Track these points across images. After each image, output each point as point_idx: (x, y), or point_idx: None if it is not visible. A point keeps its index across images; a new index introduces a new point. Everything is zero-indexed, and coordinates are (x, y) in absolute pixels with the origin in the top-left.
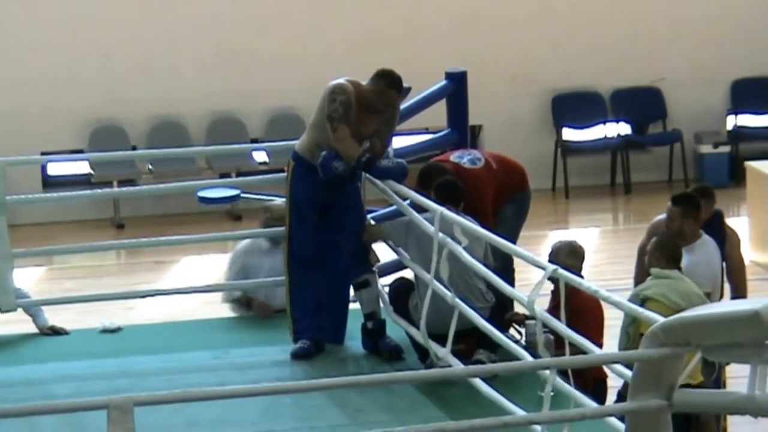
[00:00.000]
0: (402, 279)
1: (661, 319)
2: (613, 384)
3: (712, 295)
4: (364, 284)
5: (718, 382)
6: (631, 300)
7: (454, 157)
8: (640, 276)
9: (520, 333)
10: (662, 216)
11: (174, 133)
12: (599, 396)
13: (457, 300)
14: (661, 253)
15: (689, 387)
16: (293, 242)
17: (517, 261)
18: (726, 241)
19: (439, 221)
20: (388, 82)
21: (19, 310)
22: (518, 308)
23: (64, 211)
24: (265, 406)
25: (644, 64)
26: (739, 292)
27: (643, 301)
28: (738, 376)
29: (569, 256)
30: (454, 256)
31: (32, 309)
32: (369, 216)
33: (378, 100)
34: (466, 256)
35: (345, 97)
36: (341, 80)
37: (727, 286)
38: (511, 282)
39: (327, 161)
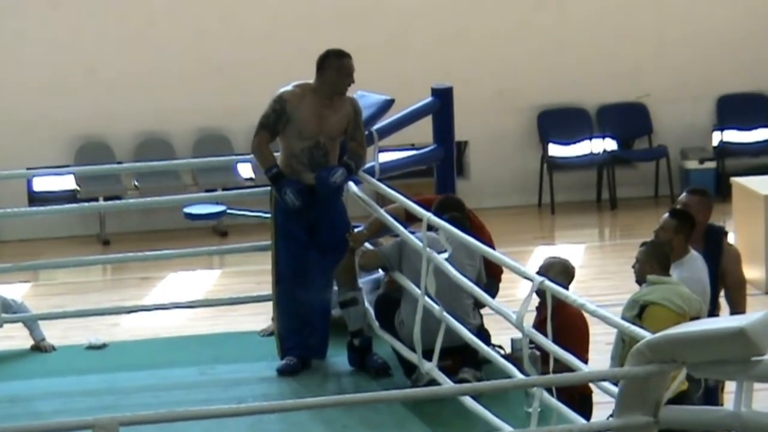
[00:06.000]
0: (385, 293)
1: (648, 335)
2: (599, 400)
3: (700, 312)
4: (351, 302)
5: (714, 399)
6: (629, 305)
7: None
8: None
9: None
10: None
11: (160, 149)
12: (584, 411)
13: (445, 314)
14: (654, 260)
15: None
16: (279, 260)
17: (503, 276)
18: (723, 256)
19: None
20: (338, 54)
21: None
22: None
23: (50, 227)
24: (251, 422)
25: (630, 79)
26: (737, 309)
27: (644, 307)
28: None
29: (560, 274)
30: (440, 270)
31: (29, 323)
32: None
33: (338, 78)
34: (452, 270)
35: (279, 106)
36: (288, 87)
37: (723, 302)
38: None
39: (324, 178)
